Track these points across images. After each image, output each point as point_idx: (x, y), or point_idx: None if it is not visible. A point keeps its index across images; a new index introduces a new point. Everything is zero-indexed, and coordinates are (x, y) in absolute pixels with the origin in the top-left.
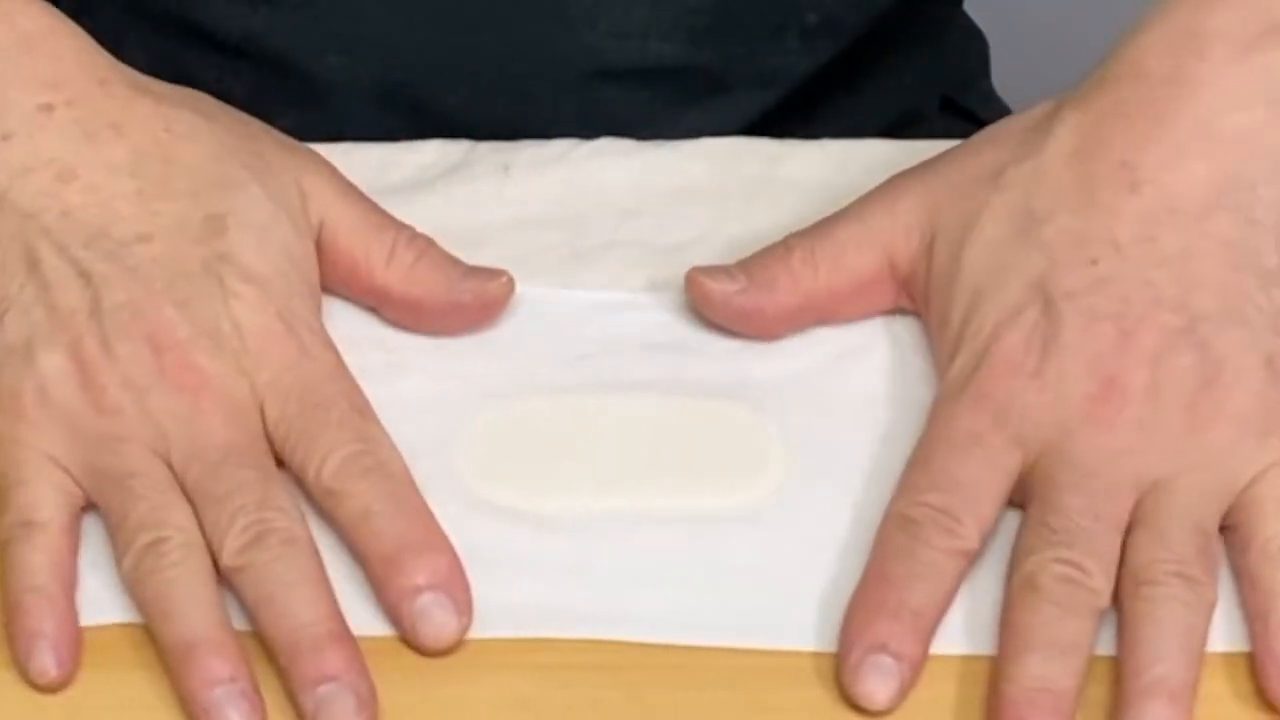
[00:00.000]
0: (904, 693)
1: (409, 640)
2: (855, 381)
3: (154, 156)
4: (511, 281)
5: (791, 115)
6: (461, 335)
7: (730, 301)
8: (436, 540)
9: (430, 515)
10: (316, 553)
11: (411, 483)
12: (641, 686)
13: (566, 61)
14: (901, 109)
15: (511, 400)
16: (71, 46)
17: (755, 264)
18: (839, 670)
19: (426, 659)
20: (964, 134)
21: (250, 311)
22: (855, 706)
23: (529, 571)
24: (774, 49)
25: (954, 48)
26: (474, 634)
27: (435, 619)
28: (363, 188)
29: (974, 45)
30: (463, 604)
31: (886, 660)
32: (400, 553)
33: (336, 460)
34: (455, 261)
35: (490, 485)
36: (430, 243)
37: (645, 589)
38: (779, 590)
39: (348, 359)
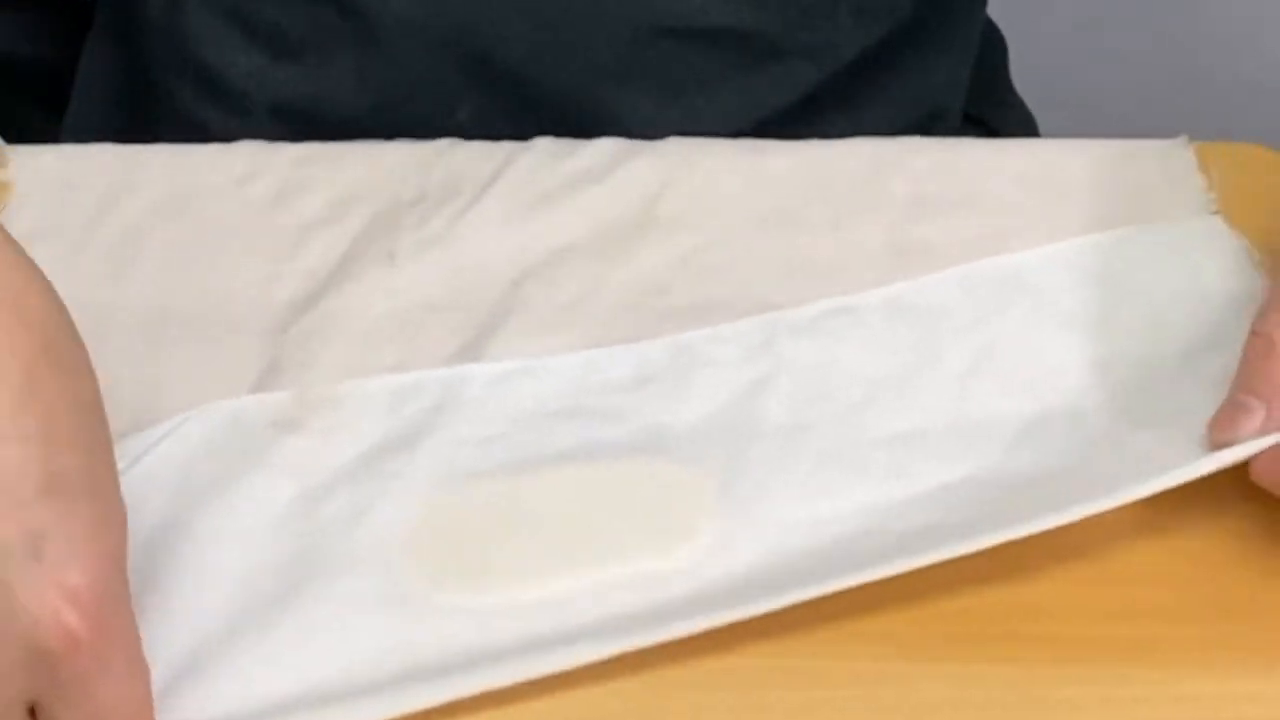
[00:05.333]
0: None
1: None
2: (771, 412)
3: (7, 383)
4: None
5: (835, 96)
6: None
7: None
8: None
9: None
10: None
11: None
12: (641, 688)
13: (626, 18)
14: (930, 106)
15: (433, 494)
16: None
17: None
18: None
19: None
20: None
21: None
22: (853, 709)
23: (479, 665)
24: (826, 21)
25: (977, 47)
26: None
27: None
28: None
29: (994, 44)
30: None
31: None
32: None
33: None
34: None
35: (430, 587)
36: None
37: (595, 646)
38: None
39: (264, 488)
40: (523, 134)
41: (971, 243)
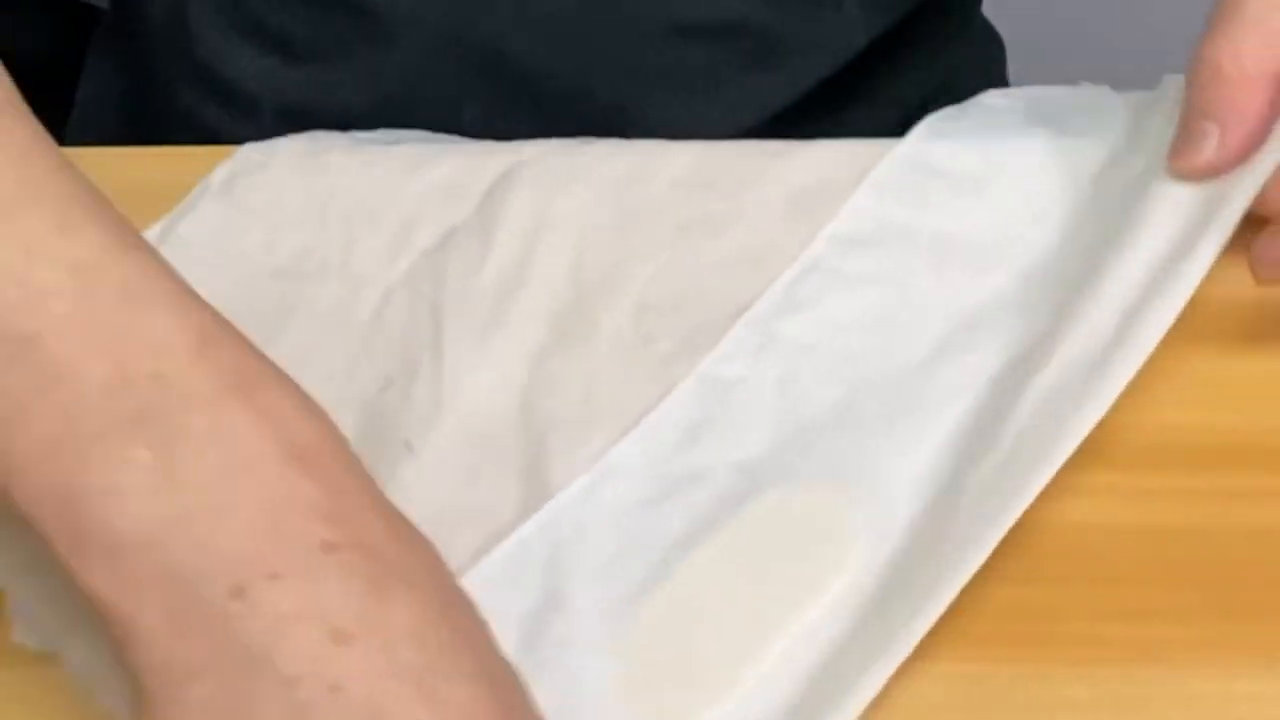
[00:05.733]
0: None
1: None
2: (820, 398)
3: (443, 624)
4: None
5: (841, 91)
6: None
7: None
8: None
9: None
10: None
11: None
12: None
13: (634, 15)
14: (932, 101)
15: (610, 638)
16: (344, 465)
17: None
18: None
19: None
20: None
21: None
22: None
23: None
24: (834, 15)
25: (972, 46)
26: None
27: None
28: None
29: (991, 45)
30: None
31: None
32: None
33: None
34: None
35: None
36: None
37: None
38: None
39: None
40: (532, 133)
41: (855, 158)
